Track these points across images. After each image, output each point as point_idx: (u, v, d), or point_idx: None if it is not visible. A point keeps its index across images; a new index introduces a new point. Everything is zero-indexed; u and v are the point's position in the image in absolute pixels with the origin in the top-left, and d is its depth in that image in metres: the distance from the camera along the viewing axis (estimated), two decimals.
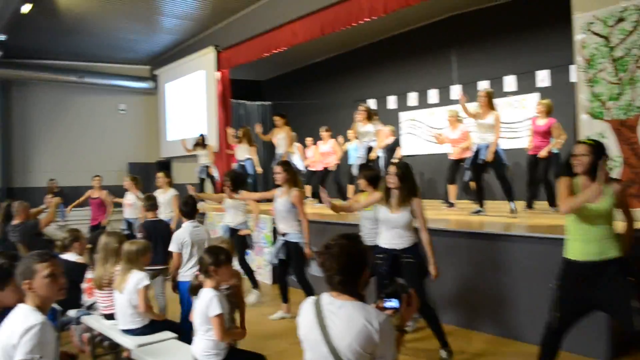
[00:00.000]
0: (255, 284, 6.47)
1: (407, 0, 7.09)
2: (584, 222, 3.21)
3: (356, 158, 8.09)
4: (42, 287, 2.38)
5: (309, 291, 5.23)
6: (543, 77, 8.93)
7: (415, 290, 2.36)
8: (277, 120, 8.97)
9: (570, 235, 3.32)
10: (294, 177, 5.39)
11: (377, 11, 7.53)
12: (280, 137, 8.91)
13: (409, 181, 4.24)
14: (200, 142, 10.28)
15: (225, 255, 3.21)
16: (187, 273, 4.58)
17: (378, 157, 7.92)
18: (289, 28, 9.25)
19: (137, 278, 3.80)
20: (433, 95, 10.70)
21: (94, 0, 9.80)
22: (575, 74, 5.88)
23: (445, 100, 10.48)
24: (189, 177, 11.34)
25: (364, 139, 7.85)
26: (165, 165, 13.85)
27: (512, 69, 9.40)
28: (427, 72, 10.91)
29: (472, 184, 7.31)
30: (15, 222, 6.12)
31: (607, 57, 5.22)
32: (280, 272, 5.64)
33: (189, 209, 4.99)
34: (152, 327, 3.85)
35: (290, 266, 5.43)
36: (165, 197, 7.27)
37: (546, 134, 6.97)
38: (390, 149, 9.02)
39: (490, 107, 6.54)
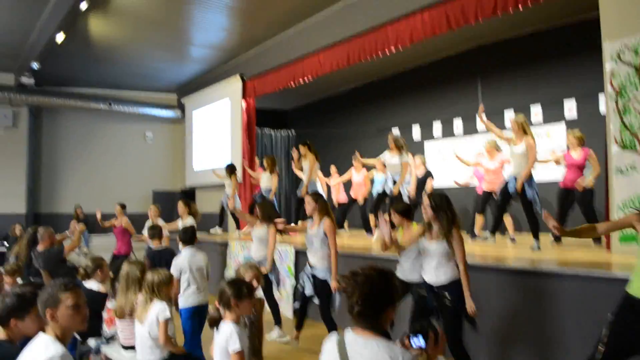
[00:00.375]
0: (278, 320, 6.19)
1: (433, 30, 7.07)
2: None
3: (383, 188, 7.95)
4: (65, 317, 2.35)
5: (331, 328, 5.07)
6: (570, 107, 8.80)
7: (450, 331, 2.25)
8: (302, 148, 8.90)
9: (636, 269, 3.15)
10: (324, 206, 5.28)
11: (403, 41, 7.54)
12: (305, 167, 8.85)
13: (446, 211, 4.11)
14: (227, 172, 10.17)
15: (247, 288, 3.15)
16: (186, 299, 4.69)
17: (400, 193, 7.62)
18: (316, 58, 9.32)
19: (159, 309, 3.74)
20: (458, 125, 10.61)
21: (125, 30, 10.05)
22: (604, 103, 5.75)
23: (470, 130, 10.39)
24: (213, 206, 11.38)
25: (391, 170, 7.74)
26: (189, 194, 13.94)
27: (539, 98, 9.29)
28: (453, 102, 10.85)
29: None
30: (40, 248, 6.17)
31: (638, 86, 5.10)
32: (302, 300, 5.42)
33: (187, 236, 5.26)
34: None
35: (314, 301, 5.29)
36: (183, 225, 7.32)
37: (581, 167, 6.72)
38: (422, 180, 8.88)
39: (524, 134, 6.23)
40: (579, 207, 6.74)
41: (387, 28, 7.80)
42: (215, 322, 3.15)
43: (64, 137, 13.83)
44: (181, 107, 14.71)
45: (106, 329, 4.47)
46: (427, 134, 11.29)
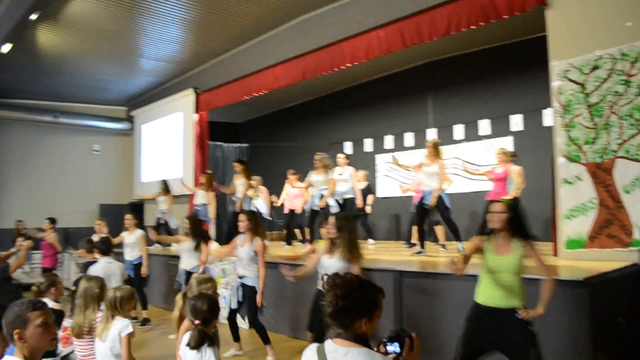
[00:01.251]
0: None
1: (388, 48, 7.26)
2: (493, 273, 3.50)
3: (309, 206, 8.41)
4: (35, 337, 2.27)
5: (262, 331, 5.43)
6: (517, 122, 9.18)
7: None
8: (236, 166, 9.03)
9: (480, 281, 3.60)
10: (257, 226, 5.61)
11: (358, 57, 7.71)
12: (239, 183, 8.95)
13: (349, 232, 4.51)
14: (163, 188, 10.30)
15: (216, 306, 3.16)
16: None
17: (328, 205, 8.02)
18: (271, 72, 9.36)
19: (122, 325, 3.65)
20: (409, 138, 10.87)
21: (74, 41, 9.80)
22: (549, 118, 6.08)
23: (420, 143, 10.63)
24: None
25: (318, 187, 8.12)
26: (137, 207, 13.64)
27: (487, 113, 9.65)
28: (404, 116, 11.13)
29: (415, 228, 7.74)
30: None
31: (583, 103, 5.40)
32: (230, 314, 5.71)
33: (105, 247, 6.08)
34: None
35: (242, 308, 5.64)
36: (132, 237, 7.68)
37: (504, 180, 7.26)
38: (364, 194, 9.16)
39: (436, 156, 6.92)
40: None
41: (343, 44, 7.95)
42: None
43: (7, 150, 13.26)
44: (130, 119, 14.42)
45: (61, 348, 4.31)
46: (379, 146, 11.49)
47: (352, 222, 4.68)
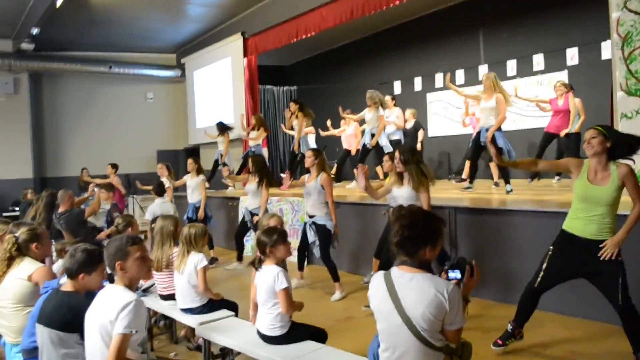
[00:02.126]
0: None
1: None
2: (585, 202, 3.43)
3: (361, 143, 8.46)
4: (134, 268, 2.59)
5: (332, 269, 5.65)
6: (572, 55, 8.91)
7: None
8: (292, 106, 9.20)
9: (572, 210, 3.56)
10: (322, 162, 5.78)
11: None
12: (295, 124, 9.14)
13: (414, 164, 4.67)
14: (218, 130, 10.49)
15: (279, 234, 3.37)
16: None
17: (378, 144, 8.08)
18: (318, 13, 9.31)
19: (197, 259, 3.98)
20: (460, 75, 10.70)
21: None
22: (608, 51, 5.91)
23: (472, 80, 10.49)
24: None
25: (369, 126, 8.15)
26: (193, 152, 14.08)
27: (541, 47, 9.38)
28: (454, 53, 10.91)
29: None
30: (60, 210, 6.36)
31: None
32: (301, 246, 6.02)
33: (160, 189, 7.50)
34: (211, 306, 4.03)
35: (315, 246, 5.78)
36: (194, 181, 7.95)
37: (566, 113, 7.15)
38: (413, 131, 9.18)
39: (494, 89, 6.55)
40: (566, 153, 7.09)
41: None
42: (257, 265, 3.40)
43: (65, 101, 13.84)
44: (181, 66, 14.67)
45: (142, 282, 4.70)
46: (429, 85, 11.38)
47: (417, 153, 4.83)
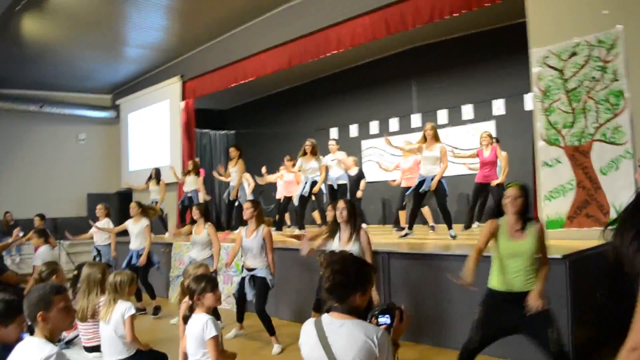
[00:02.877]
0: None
1: (373, 34, 7.41)
2: (512, 258, 3.49)
3: (300, 192, 8.37)
4: (57, 319, 2.45)
5: (267, 323, 5.45)
6: (499, 106, 9.41)
7: None
8: (232, 152, 9.07)
9: (495, 267, 3.60)
10: (261, 214, 5.69)
11: (344, 44, 7.85)
12: (234, 170, 8.98)
13: (356, 218, 4.62)
14: (153, 176, 10.16)
15: (209, 282, 3.30)
16: None
17: (321, 192, 8.23)
18: (257, 59, 9.46)
19: (124, 307, 3.83)
20: (394, 123, 11.05)
21: (58, 30, 9.77)
22: (531, 103, 6.31)
23: (405, 128, 10.86)
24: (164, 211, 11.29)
25: (309, 174, 8.15)
26: (125, 196, 13.70)
27: (470, 98, 9.86)
28: (388, 101, 11.29)
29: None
30: None
31: (562, 89, 5.62)
32: (239, 301, 5.82)
33: (44, 234, 7.15)
34: (139, 357, 3.86)
35: (253, 298, 5.60)
36: (138, 227, 7.45)
37: (493, 164, 7.49)
38: (355, 180, 9.31)
39: (437, 139, 6.81)
40: (494, 200, 7.42)
41: (329, 31, 8.08)
42: (187, 319, 3.30)
43: None
44: (116, 108, 14.40)
45: (65, 333, 4.46)
46: (364, 132, 11.66)
47: (358, 207, 4.88)
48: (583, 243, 5.06)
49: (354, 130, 11.84)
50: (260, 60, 9.41)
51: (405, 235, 7.00)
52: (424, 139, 6.85)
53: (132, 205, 7.60)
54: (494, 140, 7.72)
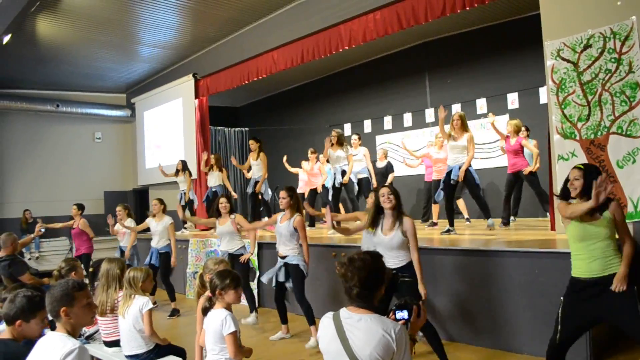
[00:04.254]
0: (254, 307, 6.54)
1: (385, 30, 7.38)
2: (584, 241, 3.38)
3: (330, 181, 8.34)
4: (79, 315, 2.51)
5: (307, 311, 5.41)
6: (513, 100, 9.34)
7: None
8: (252, 144, 9.09)
9: (573, 254, 3.50)
10: (297, 202, 5.61)
11: (356, 40, 7.82)
12: (255, 163, 9.01)
13: (401, 205, 4.48)
14: (179, 169, 10.21)
15: (232, 279, 3.34)
16: None
17: (351, 182, 8.15)
18: (269, 56, 9.47)
19: (142, 302, 3.89)
20: (408, 118, 11.03)
21: (73, 30, 9.91)
22: (545, 96, 6.26)
23: (419, 123, 10.83)
24: (167, 204, 11.33)
25: (336, 164, 8.11)
26: (142, 193, 13.86)
27: (484, 92, 9.80)
28: (402, 96, 11.26)
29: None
30: (1, 254, 6.06)
31: (576, 81, 5.56)
32: (278, 294, 5.71)
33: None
34: (157, 351, 3.93)
35: (290, 288, 5.57)
36: (161, 225, 7.34)
37: (519, 152, 7.38)
38: (383, 172, 9.29)
39: (464, 129, 6.76)
40: (531, 188, 7.39)
41: (341, 27, 8.06)
42: (206, 311, 3.35)
43: (10, 140, 13.44)
44: (131, 106, 14.55)
45: (85, 328, 4.54)
46: (378, 127, 11.65)
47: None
48: None
49: (367, 125, 11.83)
50: (273, 58, 9.42)
51: (448, 231, 6.76)
52: (452, 128, 6.79)
53: (154, 202, 7.48)
54: (519, 128, 7.51)
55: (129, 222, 7.77)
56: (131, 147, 14.71)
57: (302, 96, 13.66)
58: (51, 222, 9.48)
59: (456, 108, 10.08)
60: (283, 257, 5.58)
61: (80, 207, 8.68)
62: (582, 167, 3.48)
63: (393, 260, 4.32)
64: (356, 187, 8.36)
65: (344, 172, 8.05)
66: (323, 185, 9.58)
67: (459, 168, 6.65)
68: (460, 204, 8.41)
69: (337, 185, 8.11)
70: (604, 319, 3.41)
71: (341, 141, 8.07)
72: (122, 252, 7.91)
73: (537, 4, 5.95)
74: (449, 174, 6.78)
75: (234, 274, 3.42)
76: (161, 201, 7.51)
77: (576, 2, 5.62)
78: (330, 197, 8.38)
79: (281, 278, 5.55)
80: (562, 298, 3.51)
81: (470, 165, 6.67)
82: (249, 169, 9.48)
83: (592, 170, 3.44)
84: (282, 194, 5.60)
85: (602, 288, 3.29)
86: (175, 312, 7.27)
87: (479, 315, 5.19)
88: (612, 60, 5.33)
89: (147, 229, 7.64)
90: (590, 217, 3.36)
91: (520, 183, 7.57)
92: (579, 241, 3.41)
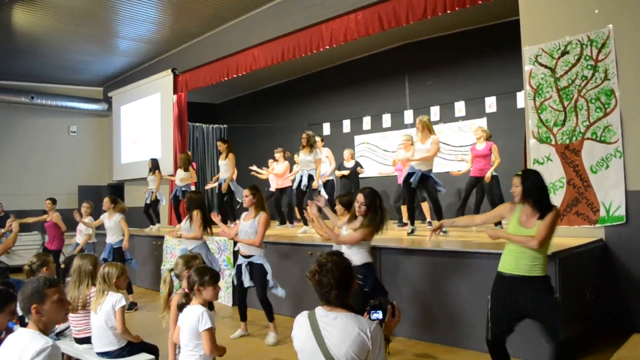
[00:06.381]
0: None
1: (366, 30, 7.40)
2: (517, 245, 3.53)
3: (295, 185, 8.19)
4: (51, 312, 2.47)
5: (268, 309, 5.46)
6: (490, 103, 9.44)
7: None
8: (220, 145, 8.91)
9: (504, 251, 3.65)
10: (261, 200, 5.61)
11: (337, 40, 7.83)
12: (223, 163, 8.81)
13: (377, 210, 4.40)
14: (150, 167, 10.15)
15: (211, 276, 3.31)
16: None
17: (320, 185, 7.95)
18: (250, 53, 9.42)
19: (115, 299, 3.83)
20: (387, 119, 11.07)
21: (49, 21, 9.70)
22: (522, 100, 6.35)
23: (398, 124, 10.89)
24: (142, 200, 11.22)
25: (305, 167, 7.95)
26: (117, 188, 13.66)
27: (462, 95, 9.89)
28: (382, 97, 11.30)
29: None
30: None
31: (553, 87, 5.66)
32: (240, 293, 5.73)
33: None
34: (130, 349, 3.87)
35: (254, 286, 5.52)
36: (112, 221, 7.56)
37: (487, 157, 7.50)
38: (353, 172, 9.31)
39: (430, 132, 6.81)
40: (487, 195, 7.53)
41: (322, 27, 8.05)
42: (182, 307, 3.31)
43: None
44: (107, 100, 14.32)
45: (55, 325, 4.44)
46: (357, 128, 11.67)
47: (380, 198, 4.49)
48: (573, 240, 5.13)
49: (346, 125, 11.85)
50: (253, 55, 9.37)
51: (412, 232, 6.86)
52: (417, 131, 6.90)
53: (105, 200, 7.72)
54: (488, 134, 7.68)
55: (89, 219, 8.07)
56: (107, 142, 14.48)
57: (282, 94, 13.62)
58: (23, 216, 9.31)
59: (435, 110, 10.17)
60: (247, 257, 5.53)
61: (54, 201, 9.04)
62: (520, 173, 3.64)
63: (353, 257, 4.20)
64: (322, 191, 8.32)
65: (310, 177, 7.87)
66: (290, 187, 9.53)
67: (421, 172, 6.71)
68: (425, 206, 8.45)
69: (302, 188, 7.96)
70: (527, 315, 3.51)
71: (311, 143, 7.90)
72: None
73: (517, 9, 6.04)
74: (408, 176, 6.81)
75: (213, 271, 3.40)
76: (112, 199, 7.74)
77: (555, 9, 5.72)
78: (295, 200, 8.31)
79: (247, 283, 5.52)
80: (489, 296, 3.65)
81: (431, 170, 6.76)
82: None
83: (530, 174, 3.63)
84: (246, 192, 5.59)
85: (526, 286, 3.45)
86: (132, 306, 7.36)
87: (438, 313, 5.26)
88: (589, 67, 5.43)
89: (102, 226, 7.82)
90: (527, 221, 3.53)
91: (481, 187, 7.68)
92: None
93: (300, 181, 7.97)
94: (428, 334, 5.31)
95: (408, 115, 10.66)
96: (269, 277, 5.44)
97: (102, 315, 3.81)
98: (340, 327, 2.27)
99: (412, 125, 10.55)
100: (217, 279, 3.32)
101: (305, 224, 7.87)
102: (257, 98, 14.40)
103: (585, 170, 5.51)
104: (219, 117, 15.56)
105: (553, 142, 5.71)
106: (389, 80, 11.18)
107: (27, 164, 13.43)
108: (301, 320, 2.42)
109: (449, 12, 6.61)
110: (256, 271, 5.47)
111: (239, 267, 5.63)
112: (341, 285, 2.33)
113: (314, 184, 7.81)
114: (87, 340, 4.07)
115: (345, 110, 11.97)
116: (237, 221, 8.56)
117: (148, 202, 10.20)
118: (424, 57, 10.50)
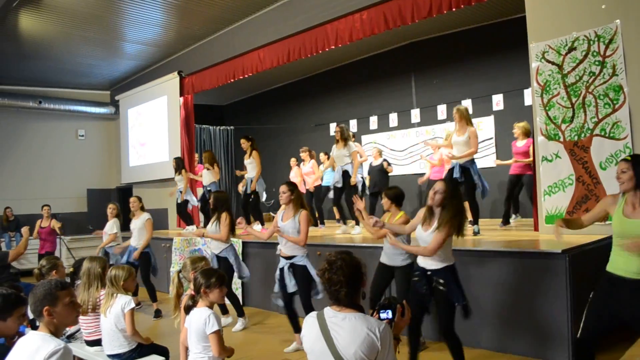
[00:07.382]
0: (241, 312, 6.29)
1: (372, 30, 7.38)
2: (623, 239, 3.15)
3: (332, 181, 7.74)
4: (63, 314, 2.48)
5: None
6: (498, 101, 9.40)
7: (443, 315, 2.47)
8: (243, 143, 8.64)
9: (613, 249, 3.32)
10: (299, 197, 5.17)
11: (342, 40, 7.80)
12: (249, 162, 8.60)
13: (453, 200, 3.89)
14: (175, 167, 9.83)
15: (217, 278, 3.31)
16: None
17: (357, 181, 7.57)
18: (255, 54, 9.42)
19: (124, 301, 3.85)
20: (393, 118, 11.04)
21: (56, 26, 9.75)
22: (530, 98, 6.31)
23: (405, 123, 10.86)
24: (151, 202, 11.25)
25: (340, 163, 7.51)
26: (126, 191, 13.71)
27: (469, 93, 9.85)
28: (388, 97, 11.28)
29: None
30: None
31: (561, 83, 5.62)
32: (286, 300, 5.20)
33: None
34: (140, 351, 3.89)
35: (295, 289, 5.08)
36: (138, 222, 7.29)
37: (526, 154, 7.39)
38: (380, 169, 9.17)
39: (467, 123, 6.30)
40: (526, 191, 7.46)
41: (327, 27, 8.03)
42: (189, 309, 3.31)
43: None
44: (115, 103, 14.38)
45: (66, 328, 4.46)
46: (364, 127, 11.66)
47: (459, 190, 4.09)
48: (583, 238, 5.06)
49: (353, 125, 11.82)
50: (259, 56, 9.36)
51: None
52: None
53: (132, 199, 7.45)
54: (527, 130, 7.50)
55: (113, 222, 7.72)
56: (115, 145, 14.55)
57: (288, 95, 13.63)
58: (32, 220, 9.45)
59: (441, 109, 10.14)
60: (288, 258, 5.09)
61: (50, 207, 9.55)
62: (629, 158, 3.26)
63: (429, 261, 3.92)
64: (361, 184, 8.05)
65: (345, 172, 7.39)
66: (319, 185, 9.48)
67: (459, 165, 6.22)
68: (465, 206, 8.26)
69: (336, 186, 7.49)
70: (629, 322, 3.20)
71: (345, 136, 7.46)
72: (107, 253, 7.78)
73: (523, 6, 6.00)
74: (451, 171, 6.35)
75: (219, 273, 3.39)
76: (139, 198, 7.51)
77: (561, 5, 5.68)
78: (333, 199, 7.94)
79: (292, 288, 5.05)
80: (593, 292, 3.32)
81: (473, 163, 6.27)
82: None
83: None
84: (283, 188, 5.07)
85: (635, 290, 3.09)
86: (158, 313, 7.13)
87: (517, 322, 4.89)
88: (596, 63, 5.38)
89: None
90: (636, 211, 3.14)
91: (521, 185, 7.62)
92: (620, 237, 3.19)
93: (342, 179, 7.42)
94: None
95: (415, 115, 10.64)
96: (314, 278, 4.91)
97: (111, 317, 3.83)
98: (349, 327, 2.26)
99: (419, 124, 10.55)
100: (223, 281, 3.31)
101: (357, 223, 7.45)
102: (263, 99, 14.42)
103: (594, 167, 5.47)
104: (226, 118, 15.60)
105: (561, 139, 5.67)
106: (395, 79, 11.15)
107: (35, 168, 13.52)
108: (310, 321, 2.41)
109: (454, 10, 6.56)
110: (299, 274, 5.00)
111: (281, 271, 5.17)
112: (351, 283, 2.32)
113: (352, 180, 7.32)
114: (97, 343, 4.09)
115: (352, 110, 11.97)
116: (256, 223, 8.44)
117: (179, 201, 9.79)
118: (430, 55, 10.47)
